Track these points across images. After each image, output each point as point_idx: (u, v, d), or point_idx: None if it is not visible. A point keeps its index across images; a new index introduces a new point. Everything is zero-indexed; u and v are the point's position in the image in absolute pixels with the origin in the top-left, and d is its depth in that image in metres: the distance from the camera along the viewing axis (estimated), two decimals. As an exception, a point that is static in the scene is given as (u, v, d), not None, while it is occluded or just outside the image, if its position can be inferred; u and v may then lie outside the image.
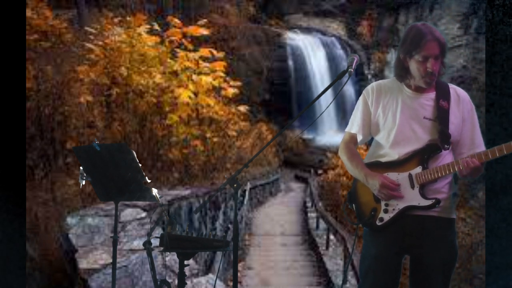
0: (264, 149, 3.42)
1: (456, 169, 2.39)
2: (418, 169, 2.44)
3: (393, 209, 2.47)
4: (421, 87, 2.49)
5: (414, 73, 2.45)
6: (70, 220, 6.43)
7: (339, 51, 28.66)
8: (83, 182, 3.06)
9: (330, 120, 26.58)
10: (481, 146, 2.49)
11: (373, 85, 2.62)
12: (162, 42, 12.62)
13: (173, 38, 12.77)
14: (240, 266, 10.15)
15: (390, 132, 2.50)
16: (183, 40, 12.79)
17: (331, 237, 11.40)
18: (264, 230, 14.05)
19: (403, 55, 2.45)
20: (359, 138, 2.62)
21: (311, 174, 21.58)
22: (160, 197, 2.95)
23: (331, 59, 28.15)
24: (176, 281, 2.88)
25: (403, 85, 2.54)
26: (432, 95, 2.50)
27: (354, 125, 2.63)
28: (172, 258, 4.77)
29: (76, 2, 15.77)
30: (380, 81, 2.64)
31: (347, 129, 2.67)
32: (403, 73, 2.50)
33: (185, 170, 11.40)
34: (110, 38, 11.52)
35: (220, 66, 13.08)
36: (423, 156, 2.44)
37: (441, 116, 2.44)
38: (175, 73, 12.35)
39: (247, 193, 15.12)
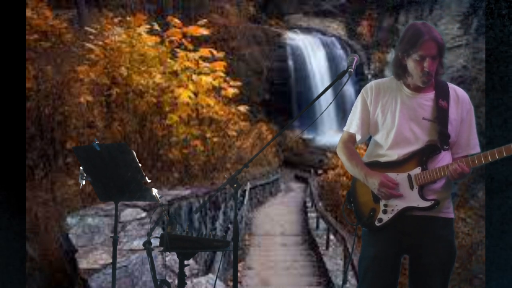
0: (264, 149, 3.42)
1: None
2: (417, 170, 2.44)
3: (392, 210, 2.47)
4: (420, 87, 2.48)
5: (411, 72, 2.44)
6: (70, 220, 6.43)
7: (339, 51, 28.63)
8: (83, 182, 3.06)
9: (330, 120, 26.57)
10: (476, 148, 2.49)
11: (372, 84, 2.61)
12: (162, 42, 12.63)
13: (173, 38, 12.77)
14: (240, 266, 10.15)
15: (389, 133, 2.50)
16: (183, 40, 12.79)
17: (331, 237, 11.40)
18: (264, 230, 14.04)
19: (401, 54, 2.45)
20: (358, 137, 2.61)
21: (311, 174, 21.57)
22: (160, 197, 2.95)
23: (331, 59, 28.12)
24: (176, 281, 2.88)
25: (402, 84, 2.53)
26: (431, 95, 2.49)
27: (353, 125, 2.62)
28: (172, 258, 4.77)
29: (76, 2, 15.77)
30: (378, 80, 2.63)
31: (345, 128, 2.66)
32: (400, 72, 2.49)
33: (185, 170, 11.40)
34: (110, 38, 11.53)
35: (220, 66, 13.09)
36: (422, 157, 2.44)
37: (440, 116, 2.43)
38: (175, 73, 12.35)
39: (247, 193, 15.11)
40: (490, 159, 2.30)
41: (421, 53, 2.36)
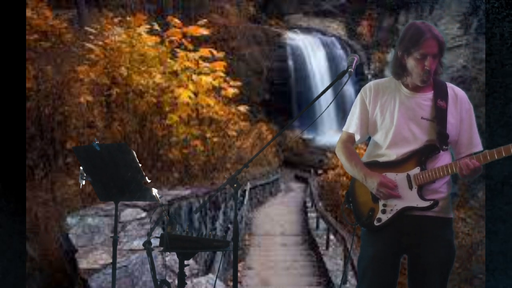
0: (264, 149, 3.42)
1: (455, 170, 2.38)
2: (416, 170, 2.43)
3: (391, 210, 2.47)
4: (418, 86, 2.48)
5: (411, 71, 2.44)
6: (70, 220, 6.43)
7: (339, 51, 28.63)
8: (83, 182, 3.06)
9: (330, 120, 26.57)
10: (478, 146, 2.49)
11: (370, 84, 2.61)
12: (162, 42, 12.64)
13: (173, 38, 12.78)
14: (240, 266, 10.15)
15: (388, 132, 2.50)
16: (183, 40, 12.80)
17: (331, 237, 11.40)
18: (264, 230, 14.04)
19: (401, 53, 2.44)
20: (357, 137, 2.61)
21: (311, 174, 21.57)
22: (160, 197, 2.95)
23: (331, 59, 28.12)
24: (176, 281, 2.88)
25: (400, 84, 2.53)
26: (429, 94, 2.49)
27: (352, 125, 2.62)
28: (172, 258, 4.78)
29: (76, 2, 15.78)
30: (377, 80, 2.63)
31: (344, 128, 2.66)
32: (400, 71, 2.49)
33: (185, 170, 11.41)
34: (110, 38, 11.54)
35: (220, 66, 13.10)
36: (421, 157, 2.44)
37: (439, 116, 2.43)
38: (175, 73, 12.36)
39: (247, 193, 15.11)
40: (504, 154, 2.27)
41: (422, 51, 2.36)
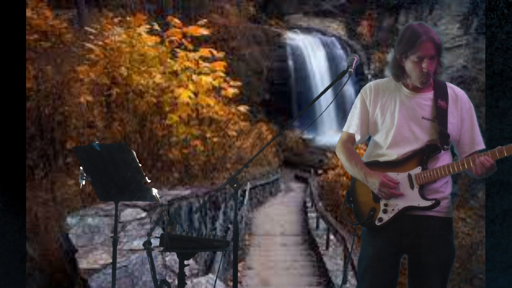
0: (264, 149, 3.42)
1: (457, 170, 2.38)
2: (418, 170, 2.44)
3: (393, 210, 2.47)
4: (418, 87, 2.48)
5: (409, 73, 2.44)
6: (70, 220, 6.43)
7: (339, 51, 28.63)
8: (83, 182, 3.06)
9: (330, 120, 26.56)
10: (480, 144, 2.49)
11: (370, 84, 2.61)
12: (162, 42, 12.65)
13: (173, 38, 12.79)
14: (240, 266, 10.15)
15: (389, 132, 2.50)
16: (183, 40, 12.81)
17: (331, 237, 11.40)
18: (264, 230, 14.04)
19: (399, 55, 2.45)
20: (357, 137, 2.61)
21: (311, 174, 21.57)
22: (160, 197, 2.94)
23: (331, 59, 28.12)
24: (176, 281, 2.88)
25: (400, 84, 2.53)
26: (430, 94, 2.49)
27: (352, 125, 2.61)
28: (172, 258, 4.78)
29: (76, 2, 15.76)
30: (377, 80, 2.63)
31: (344, 129, 2.66)
32: (399, 73, 2.49)
33: (185, 170, 11.42)
34: (110, 38, 11.54)
35: (220, 66, 13.11)
36: (423, 156, 2.44)
37: (440, 116, 2.43)
38: (175, 73, 12.37)
39: (247, 193, 15.10)
40: (498, 156, 2.27)
41: (419, 54, 2.36)
